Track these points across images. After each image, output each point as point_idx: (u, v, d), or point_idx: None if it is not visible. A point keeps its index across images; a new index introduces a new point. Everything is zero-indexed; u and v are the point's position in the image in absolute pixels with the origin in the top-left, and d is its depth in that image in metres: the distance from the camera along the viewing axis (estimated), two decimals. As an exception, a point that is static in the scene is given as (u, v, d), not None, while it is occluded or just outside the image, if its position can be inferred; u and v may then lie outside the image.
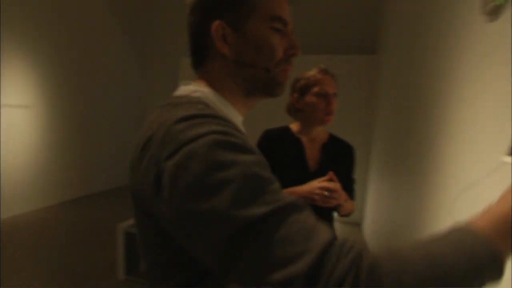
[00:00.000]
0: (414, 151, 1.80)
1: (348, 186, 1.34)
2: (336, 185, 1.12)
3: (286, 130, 1.37)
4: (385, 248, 0.39)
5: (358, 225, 4.21)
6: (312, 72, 1.30)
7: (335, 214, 1.33)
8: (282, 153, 1.30)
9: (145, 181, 0.49)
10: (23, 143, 4.10)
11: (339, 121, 1.29)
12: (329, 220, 1.32)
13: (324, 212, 1.24)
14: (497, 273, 0.37)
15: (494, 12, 1.03)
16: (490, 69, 1.05)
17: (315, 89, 1.27)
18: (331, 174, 1.15)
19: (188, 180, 0.43)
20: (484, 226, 0.38)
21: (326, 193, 1.11)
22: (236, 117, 0.62)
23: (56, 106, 4.56)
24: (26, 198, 4.17)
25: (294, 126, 1.37)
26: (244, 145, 0.46)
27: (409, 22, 2.29)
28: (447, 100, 1.39)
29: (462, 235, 0.38)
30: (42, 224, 3.77)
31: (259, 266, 0.38)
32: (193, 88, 0.59)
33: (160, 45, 6.30)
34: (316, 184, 1.13)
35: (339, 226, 4.09)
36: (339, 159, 1.35)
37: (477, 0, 1.11)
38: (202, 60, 0.62)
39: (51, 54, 4.40)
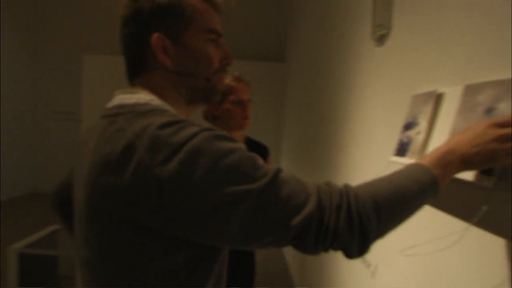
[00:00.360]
0: (318, 151, 2.02)
1: None
2: None
3: None
4: (361, 183, 0.54)
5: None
6: (227, 81, 1.38)
7: None
8: None
9: (135, 192, 0.48)
10: None
11: (252, 123, 1.39)
12: None
13: None
14: (435, 192, 0.54)
15: (380, 39, 1.25)
16: (377, 83, 1.27)
17: (231, 97, 1.36)
18: None
19: (201, 173, 0.47)
20: (428, 162, 0.55)
21: None
22: None
23: None
24: None
25: None
26: (228, 135, 0.53)
27: (312, 37, 2.55)
28: (345, 109, 1.62)
29: (414, 168, 0.55)
30: None
31: (281, 219, 0.48)
32: (144, 96, 0.59)
33: (58, 42, 5.71)
34: None
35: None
36: None
37: (367, 28, 1.33)
38: (140, 70, 0.63)
39: None
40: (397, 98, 1.10)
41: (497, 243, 0.64)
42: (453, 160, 0.54)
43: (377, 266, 1.19)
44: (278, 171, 0.51)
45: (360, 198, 0.50)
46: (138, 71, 0.63)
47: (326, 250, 0.51)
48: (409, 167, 0.55)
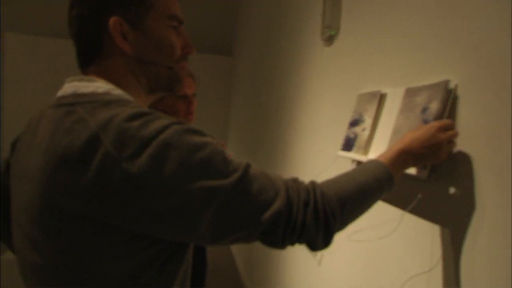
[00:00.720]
0: (266, 145, 2.07)
1: None
2: None
3: None
4: (326, 179, 0.57)
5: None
6: None
7: None
8: None
9: (100, 188, 0.45)
10: None
11: (198, 117, 1.38)
12: None
13: None
14: (391, 188, 0.59)
15: (329, 40, 1.31)
16: (325, 81, 1.34)
17: None
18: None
19: (172, 167, 0.46)
20: (386, 159, 0.60)
21: None
22: None
23: None
24: None
25: None
26: (199, 129, 0.52)
27: (262, 32, 2.58)
28: (293, 104, 1.68)
29: (373, 166, 0.59)
30: None
31: (251, 215, 0.49)
32: (102, 85, 0.55)
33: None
34: None
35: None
36: None
37: (317, 28, 1.39)
38: (95, 57, 0.58)
39: None
40: (343, 96, 1.17)
41: (433, 228, 0.72)
42: (407, 159, 0.61)
43: (323, 255, 1.27)
44: (248, 166, 0.52)
45: (325, 195, 0.53)
46: (92, 58, 0.58)
47: (293, 244, 0.53)
48: (369, 165, 0.60)
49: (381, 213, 0.88)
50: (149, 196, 0.46)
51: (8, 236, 0.64)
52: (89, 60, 0.58)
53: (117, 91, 0.55)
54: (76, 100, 0.52)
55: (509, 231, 0.55)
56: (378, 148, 0.82)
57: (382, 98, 0.86)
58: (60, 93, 0.57)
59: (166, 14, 0.59)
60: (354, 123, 0.95)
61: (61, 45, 3.82)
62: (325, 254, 1.24)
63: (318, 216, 0.52)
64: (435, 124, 0.63)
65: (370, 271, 0.94)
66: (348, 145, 0.94)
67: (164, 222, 0.47)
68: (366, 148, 0.85)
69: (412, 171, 0.68)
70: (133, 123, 0.47)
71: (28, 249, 0.53)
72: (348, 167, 1.04)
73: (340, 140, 1.15)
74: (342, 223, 0.55)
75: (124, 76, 0.58)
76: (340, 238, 1.06)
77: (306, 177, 1.35)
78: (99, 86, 0.55)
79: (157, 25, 0.58)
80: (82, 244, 0.49)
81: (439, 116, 0.65)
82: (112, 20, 0.55)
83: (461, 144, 0.65)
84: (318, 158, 1.34)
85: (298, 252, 1.51)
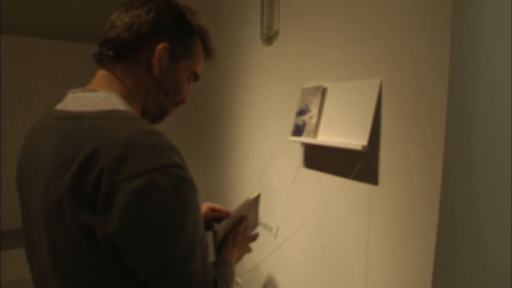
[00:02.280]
0: (209, 140, 2.20)
1: None
2: None
3: None
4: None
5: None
6: None
7: None
8: None
9: (91, 194, 0.48)
10: None
11: None
12: None
13: None
14: (232, 274, 0.75)
15: (268, 40, 1.49)
16: (267, 78, 1.52)
17: None
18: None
19: (150, 211, 0.48)
20: (225, 256, 0.81)
21: None
22: None
23: None
24: None
25: None
26: (192, 179, 0.54)
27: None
28: (235, 100, 1.83)
29: (220, 260, 0.78)
30: None
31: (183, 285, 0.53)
32: (108, 100, 0.58)
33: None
34: None
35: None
36: None
37: (257, 29, 1.55)
38: (126, 58, 0.63)
39: None
40: (285, 90, 1.37)
41: (370, 189, 0.95)
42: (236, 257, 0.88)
43: (278, 228, 1.46)
44: (206, 243, 0.58)
45: None
46: (124, 56, 0.63)
47: None
48: (226, 266, 0.77)
49: (327, 184, 1.10)
50: (119, 220, 0.48)
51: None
52: (120, 56, 0.63)
53: (123, 107, 0.59)
54: (83, 115, 0.55)
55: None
56: (324, 132, 1.03)
57: (324, 91, 1.06)
58: (65, 105, 0.60)
59: (194, 68, 0.70)
60: (301, 112, 1.14)
61: (57, 47, 3.47)
62: (280, 226, 1.44)
63: None
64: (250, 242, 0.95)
65: (321, 234, 1.15)
66: (298, 131, 1.13)
67: (123, 245, 0.50)
68: (315, 132, 1.05)
69: (358, 147, 0.88)
70: (137, 146, 0.49)
71: (40, 253, 0.56)
72: (297, 149, 1.24)
73: (285, 128, 1.34)
74: None
75: (137, 87, 0.65)
76: (292, 209, 1.26)
77: (259, 161, 1.52)
78: (106, 101, 0.58)
79: (184, 70, 0.68)
80: (81, 253, 0.52)
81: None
82: (164, 45, 0.63)
83: (387, 127, 0.88)
84: (267, 144, 1.53)
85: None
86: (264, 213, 1.47)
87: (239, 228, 0.89)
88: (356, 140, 0.91)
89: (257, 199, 1.09)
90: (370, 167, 0.93)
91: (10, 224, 3.43)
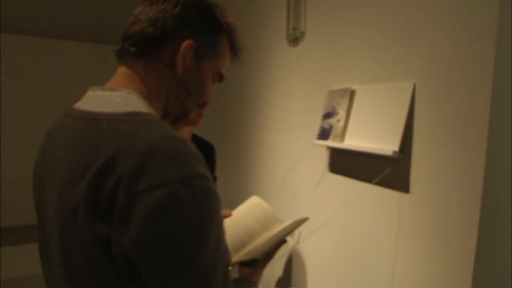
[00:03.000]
0: (255, 143, 2.19)
1: None
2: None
3: None
4: None
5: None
6: None
7: None
8: None
9: (108, 205, 0.46)
10: None
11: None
12: None
13: None
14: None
15: (294, 41, 1.46)
16: (292, 80, 1.49)
17: None
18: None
19: (170, 225, 0.45)
20: (253, 276, 0.82)
21: None
22: None
23: None
24: None
25: None
26: (215, 190, 0.50)
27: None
28: (262, 102, 1.81)
29: (247, 280, 0.77)
30: None
31: None
32: (127, 100, 0.55)
33: None
34: None
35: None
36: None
37: (283, 31, 1.53)
38: (146, 54, 0.59)
39: None
40: (311, 92, 1.33)
41: (395, 198, 0.90)
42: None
43: (301, 233, 1.43)
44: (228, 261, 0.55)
45: None
46: (147, 52, 0.60)
47: None
48: (244, 279, 0.79)
49: (353, 190, 1.06)
50: (136, 232, 0.45)
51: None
52: (144, 52, 0.60)
53: (143, 108, 0.55)
54: (102, 116, 0.52)
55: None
56: (352, 136, 0.99)
57: (352, 93, 1.02)
58: (84, 104, 0.58)
59: (219, 68, 0.67)
60: (328, 115, 1.10)
61: (58, 46, 3.61)
62: (302, 232, 1.40)
63: None
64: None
65: (346, 242, 1.11)
66: (324, 134, 1.09)
67: (140, 258, 0.47)
68: (342, 136, 1.01)
69: (389, 152, 0.84)
70: (157, 155, 0.46)
71: (55, 256, 0.54)
72: (323, 154, 1.21)
73: (310, 131, 1.31)
74: None
75: (160, 85, 0.61)
76: (315, 215, 1.22)
77: (282, 164, 1.49)
78: (126, 101, 0.55)
79: (209, 70, 0.65)
80: (95, 266, 0.49)
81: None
82: (189, 42, 0.59)
83: (420, 133, 0.83)
84: (291, 148, 1.49)
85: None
86: (286, 217, 1.43)
87: (274, 253, 0.86)
88: (386, 145, 0.87)
89: (301, 222, 1.03)
90: (401, 174, 0.88)
91: (10, 221, 3.51)
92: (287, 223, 1.03)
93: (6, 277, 2.32)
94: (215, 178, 1.60)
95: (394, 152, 0.83)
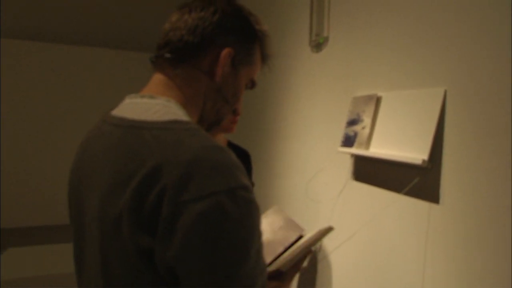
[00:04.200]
0: (276, 150, 2.19)
1: None
2: None
3: None
4: None
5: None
6: None
7: None
8: None
9: (152, 216, 0.45)
10: None
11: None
12: None
13: None
14: None
15: (317, 46, 1.44)
16: (314, 86, 1.48)
17: None
18: None
19: (214, 236, 0.44)
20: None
21: None
22: None
23: None
24: None
25: None
26: (256, 201, 0.50)
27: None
28: (284, 108, 1.80)
29: None
30: None
31: None
32: (168, 108, 0.54)
33: None
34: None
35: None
36: None
37: (306, 36, 1.52)
38: (184, 62, 0.59)
39: None
40: (334, 98, 1.31)
41: (429, 207, 0.86)
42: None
43: (321, 243, 1.40)
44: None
45: None
46: (185, 60, 0.60)
47: None
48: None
49: (377, 199, 1.02)
50: (181, 244, 0.44)
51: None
52: (182, 59, 0.60)
53: (184, 117, 0.55)
54: (143, 124, 0.52)
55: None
56: (377, 144, 0.96)
57: (378, 100, 1.00)
58: (122, 111, 0.57)
59: (252, 75, 0.68)
60: (353, 122, 1.08)
61: (57, 50, 3.73)
62: (324, 241, 1.37)
63: None
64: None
65: (370, 253, 1.07)
66: (348, 141, 1.07)
67: (184, 273, 0.46)
68: (367, 144, 0.98)
69: (418, 161, 0.80)
70: (202, 165, 0.46)
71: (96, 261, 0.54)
72: (347, 161, 1.18)
73: (333, 138, 1.28)
74: None
75: (197, 93, 0.61)
76: (338, 224, 1.19)
77: (304, 171, 1.47)
78: (165, 109, 0.55)
79: (243, 77, 0.65)
80: (137, 278, 0.48)
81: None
82: (228, 50, 0.60)
83: (450, 141, 0.80)
84: (313, 155, 1.47)
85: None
86: (307, 226, 1.41)
87: (300, 265, 0.83)
88: (415, 153, 0.84)
89: (326, 232, 1.01)
90: (430, 184, 0.85)
91: (11, 222, 3.57)
92: (312, 233, 1.01)
93: (6, 279, 2.34)
94: (252, 185, 1.58)
95: (424, 161, 0.80)
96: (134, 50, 4.16)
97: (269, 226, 1.00)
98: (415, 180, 0.88)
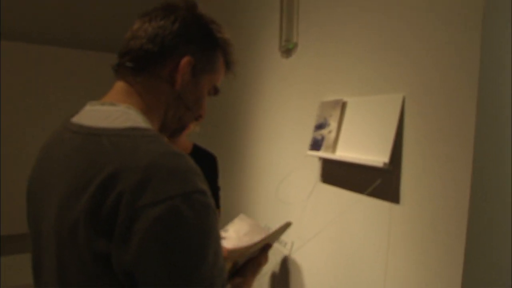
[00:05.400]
0: (247, 153, 2.20)
1: (215, 194, 1.50)
2: None
3: None
4: None
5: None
6: None
7: None
8: None
9: (109, 220, 0.45)
10: None
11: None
12: None
13: None
14: None
15: (287, 52, 1.48)
16: (284, 91, 1.51)
17: None
18: None
19: (171, 240, 0.45)
20: (243, 286, 0.79)
21: None
22: None
23: None
24: None
25: None
26: (214, 205, 0.51)
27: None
28: (255, 112, 1.83)
29: None
30: None
31: None
32: (127, 115, 0.55)
33: None
34: None
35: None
36: (204, 169, 1.50)
37: (276, 42, 1.55)
38: (144, 70, 0.60)
39: None
40: (303, 103, 1.35)
41: (386, 209, 0.91)
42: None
43: (293, 243, 1.43)
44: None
45: None
46: (146, 68, 0.60)
47: None
48: None
49: (344, 200, 1.07)
50: (137, 249, 0.45)
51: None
52: (141, 68, 0.60)
53: (143, 123, 0.55)
54: (102, 131, 0.52)
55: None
56: (343, 147, 1.00)
57: (343, 105, 1.04)
58: (82, 118, 0.57)
59: (214, 82, 0.68)
60: (320, 126, 1.12)
61: (56, 53, 3.60)
62: (295, 241, 1.41)
63: None
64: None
65: (337, 252, 1.12)
66: (316, 145, 1.11)
67: (140, 274, 0.47)
68: (333, 147, 1.02)
69: (380, 164, 0.85)
70: (159, 170, 0.47)
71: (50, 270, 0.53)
72: (315, 164, 1.22)
73: (302, 142, 1.32)
74: None
75: (158, 100, 0.62)
76: (308, 224, 1.23)
77: (275, 174, 1.50)
78: (125, 116, 0.55)
79: (205, 85, 0.66)
80: (94, 283, 0.48)
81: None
82: (188, 59, 0.60)
83: (409, 144, 0.85)
84: (284, 158, 1.51)
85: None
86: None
87: (262, 259, 0.85)
88: (377, 156, 0.88)
89: (286, 227, 1.04)
90: (391, 185, 0.90)
91: (10, 229, 3.45)
92: (272, 229, 1.04)
93: (6, 286, 2.30)
94: (218, 188, 1.59)
95: (385, 163, 0.85)
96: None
97: (235, 233, 1.02)
98: (377, 182, 0.93)
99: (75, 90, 3.78)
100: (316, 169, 1.22)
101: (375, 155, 0.89)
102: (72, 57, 3.73)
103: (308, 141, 1.24)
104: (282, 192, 1.46)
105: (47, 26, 3.22)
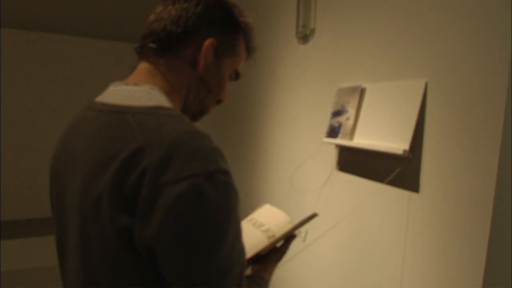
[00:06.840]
0: (263, 140, 2.20)
1: None
2: None
3: None
4: None
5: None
6: None
7: None
8: None
9: (132, 196, 0.46)
10: None
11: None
12: None
13: None
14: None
15: (304, 38, 1.45)
16: (301, 77, 1.49)
17: None
18: None
19: (192, 218, 0.46)
20: (263, 273, 0.75)
21: None
22: None
23: None
24: None
25: None
26: (236, 187, 0.51)
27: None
28: (270, 99, 1.81)
29: (257, 277, 0.72)
30: None
31: None
32: (151, 95, 0.56)
33: None
34: None
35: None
36: None
37: (292, 28, 1.52)
38: (168, 51, 0.60)
39: None
40: (320, 89, 1.32)
41: (405, 198, 0.89)
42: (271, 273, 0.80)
43: (307, 232, 1.42)
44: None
45: None
46: (169, 49, 0.61)
47: None
48: (254, 277, 0.74)
49: (361, 188, 1.05)
50: (160, 225, 0.45)
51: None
52: (165, 49, 0.61)
53: (166, 103, 0.56)
54: (127, 109, 0.53)
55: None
56: (361, 134, 0.98)
57: (362, 92, 1.01)
58: (106, 97, 0.58)
59: (236, 66, 0.69)
60: (337, 113, 1.10)
61: (59, 41, 3.63)
62: (309, 230, 1.40)
63: None
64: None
65: (353, 241, 1.10)
66: (333, 132, 1.09)
67: (162, 251, 0.47)
68: (351, 134, 1.00)
69: (400, 151, 0.83)
70: (182, 149, 0.47)
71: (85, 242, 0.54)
72: (331, 152, 1.20)
73: (318, 129, 1.30)
74: None
75: (180, 82, 0.62)
76: (323, 213, 1.21)
77: (290, 162, 1.49)
78: (149, 96, 0.56)
79: (227, 68, 0.67)
80: (115, 257, 0.49)
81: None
82: (211, 40, 0.61)
83: (430, 132, 0.82)
84: (299, 145, 1.49)
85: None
86: (293, 216, 1.43)
87: (285, 249, 0.84)
88: (397, 144, 0.86)
89: (311, 218, 1.03)
90: (410, 173, 0.87)
91: (10, 214, 3.53)
92: (297, 220, 1.03)
93: (6, 270, 2.36)
94: None
95: (405, 151, 0.82)
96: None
97: (259, 227, 1.01)
98: (397, 170, 0.90)
99: (78, 79, 3.79)
100: (332, 156, 1.20)
101: (394, 143, 0.87)
102: (76, 45, 3.72)
103: (324, 128, 1.21)
104: (297, 180, 1.45)
105: (47, 14, 3.21)
